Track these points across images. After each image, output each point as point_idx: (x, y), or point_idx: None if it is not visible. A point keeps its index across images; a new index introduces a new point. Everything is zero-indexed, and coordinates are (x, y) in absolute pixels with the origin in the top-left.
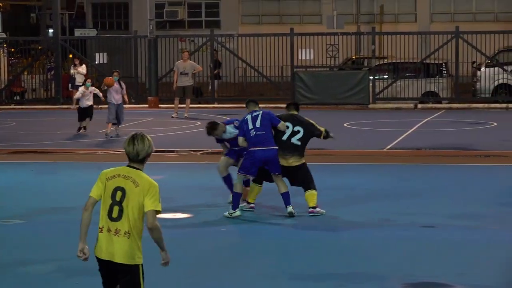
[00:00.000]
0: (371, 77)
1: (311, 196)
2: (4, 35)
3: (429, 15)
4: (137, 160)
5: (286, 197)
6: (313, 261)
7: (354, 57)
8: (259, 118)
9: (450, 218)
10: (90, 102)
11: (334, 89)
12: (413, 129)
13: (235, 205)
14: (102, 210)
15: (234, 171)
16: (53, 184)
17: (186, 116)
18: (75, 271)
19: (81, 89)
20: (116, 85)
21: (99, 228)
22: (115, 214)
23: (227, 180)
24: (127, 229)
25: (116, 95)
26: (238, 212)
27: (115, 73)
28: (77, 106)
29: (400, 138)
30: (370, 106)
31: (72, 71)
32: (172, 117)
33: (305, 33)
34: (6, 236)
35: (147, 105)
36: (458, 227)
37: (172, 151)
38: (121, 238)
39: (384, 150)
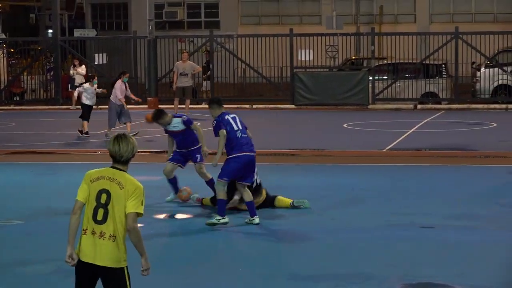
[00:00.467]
0: (370, 78)
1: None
2: (3, 36)
3: (429, 16)
4: (121, 161)
5: (251, 206)
6: (312, 261)
7: (353, 57)
8: (238, 120)
9: (449, 218)
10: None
11: (333, 90)
12: (412, 130)
13: (222, 211)
14: (87, 212)
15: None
16: (52, 184)
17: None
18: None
19: (86, 85)
20: (122, 86)
21: (83, 230)
22: (99, 216)
23: (172, 180)
24: (112, 232)
25: (121, 96)
26: (226, 219)
27: (126, 75)
28: (77, 106)
29: (400, 139)
30: (370, 106)
31: (71, 71)
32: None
33: (305, 33)
34: (6, 236)
35: (146, 106)
36: (457, 227)
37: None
38: (106, 241)
39: (384, 150)
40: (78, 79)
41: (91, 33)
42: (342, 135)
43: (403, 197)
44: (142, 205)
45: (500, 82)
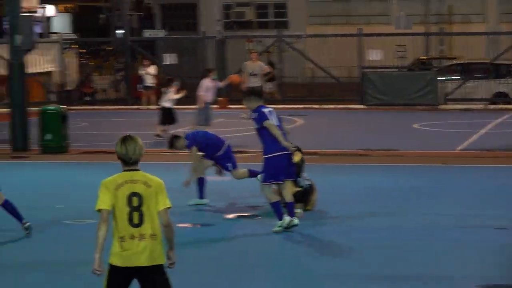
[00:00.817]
0: (440, 78)
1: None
2: (74, 36)
3: (498, 15)
4: (130, 162)
5: (291, 207)
6: (385, 262)
7: (423, 57)
8: (275, 114)
9: None
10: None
11: (403, 90)
12: (484, 130)
13: (279, 214)
14: (119, 220)
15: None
16: None
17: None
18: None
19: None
20: (209, 84)
21: (119, 238)
22: (136, 220)
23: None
24: (151, 232)
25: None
26: (287, 220)
27: (212, 72)
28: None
29: (471, 139)
30: (440, 107)
31: (141, 71)
32: (242, 117)
33: (373, 33)
34: (81, 235)
35: (217, 106)
36: None
37: (243, 152)
38: (148, 241)
39: (455, 151)
40: (148, 79)
41: (161, 33)
42: (412, 136)
43: (476, 198)
44: (168, 199)
45: None
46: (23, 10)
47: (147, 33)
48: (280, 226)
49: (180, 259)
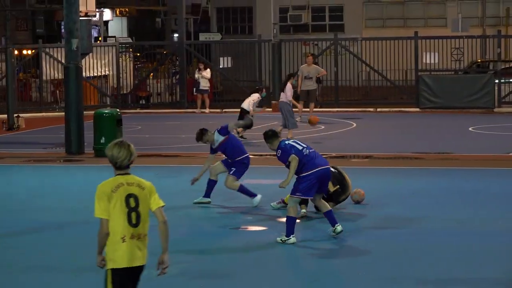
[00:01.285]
0: (496, 81)
1: None
2: (129, 40)
3: None
4: (126, 166)
5: (331, 215)
6: (440, 266)
7: (479, 60)
8: (298, 141)
9: None
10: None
11: (459, 93)
12: None
13: (290, 230)
14: (119, 220)
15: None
16: (174, 187)
17: (298, 120)
18: (197, 275)
19: (255, 95)
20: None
21: (120, 238)
22: (134, 220)
23: (211, 184)
24: (145, 232)
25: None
26: (293, 239)
27: (295, 77)
28: (202, 109)
29: None
30: (496, 110)
31: (196, 75)
32: (296, 120)
33: (430, 36)
34: None
35: (271, 109)
36: None
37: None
38: (144, 241)
39: (510, 154)
40: (203, 83)
41: (216, 37)
42: (467, 139)
43: None
44: (159, 198)
45: None
46: (81, 14)
47: (203, 37)
48: (282, 240)
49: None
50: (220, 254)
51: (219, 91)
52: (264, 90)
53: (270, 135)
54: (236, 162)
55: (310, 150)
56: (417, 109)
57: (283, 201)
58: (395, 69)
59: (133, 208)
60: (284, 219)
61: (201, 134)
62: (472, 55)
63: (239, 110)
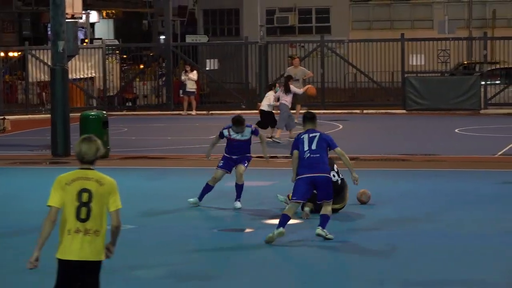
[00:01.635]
0: (482, 82)
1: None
2: (116, 42)
3: None
4: (86, 161)
5: (326, 220)
6: (427, 267)
7: (465, 62)
8: (316, 139)
9: None
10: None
11: (445, 95)
12: None
13: (279, 224)
14: (68, 213)
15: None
16: (161, 189)
17: (296, 122)
18: (186, 276)
19: (270, 93)
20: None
21: (67, 230)
22: (83, 215)
23: (207, 189)
24: (96, 228)
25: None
26: (280, 230)
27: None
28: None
29: None
30: (482, 111)
31: (183, 77)
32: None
33: (416, 38)
34: (119, 241)
35: (257, 111)
36: None
37: (285, 157)
38: (91, 237)
39: (496, 156)
40: (190, 85)
41: (203, 39)
42: (454, 140)
43: None
44: (119, 199)
45: None
46: (67, 16)
47: (190, 39)
48: (272, 233)
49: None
50: (208, 256)
51: (206, 93)
52: (277, 85)
53: (304, 119)
54: (247, 157)
55: (313, 155)
56: (404, 111)
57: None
58: (382, 71)
59: (84, 203)
60: (272, 221)
61: (243, 121)
62: (459, 57)
63: (227, 112)
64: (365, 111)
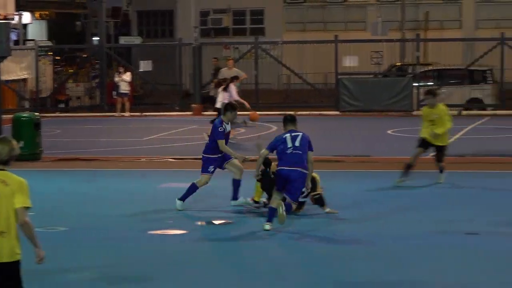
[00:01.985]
0: (415, 84)
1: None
2: (49, 43)
3: (474, 22)
4: (5, 162)
5: (271, 213)
6: (358, 268)
7: (398, 63)
8: (299, 138)
9: (495, 225)
10: None
11: (378, 96)
12: (457, 136)
13: (268, 218)
14: None
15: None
16: (94, 191)
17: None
18: (116, 278)
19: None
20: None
21: None
22: None
23: (191, 189)
24: (6, 230)
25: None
26: (267, 226)
27: (238, 80)
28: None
29: None
30: (414, 113)
31: (116, 78)
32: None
33: (350, 40)
34: (48, 243)
35: (191, 112)
36: (503, 234)
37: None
38: (5, 238)
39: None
40: (123, 86)
41: (137, 40)
42: (386, 142)
43: (448, 203)
44: (29, 199)
45: None
46: None
47: (123, 40)
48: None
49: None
50: (141, 258)
51: (140, 95)
52: (238, 79)
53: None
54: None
55: (296, 151)
56: (337, 112)
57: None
58: (315, 72)
59: None
60: (201, 222)
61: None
62: (392, 59)
63: (160, 113)
64: (298, 113)
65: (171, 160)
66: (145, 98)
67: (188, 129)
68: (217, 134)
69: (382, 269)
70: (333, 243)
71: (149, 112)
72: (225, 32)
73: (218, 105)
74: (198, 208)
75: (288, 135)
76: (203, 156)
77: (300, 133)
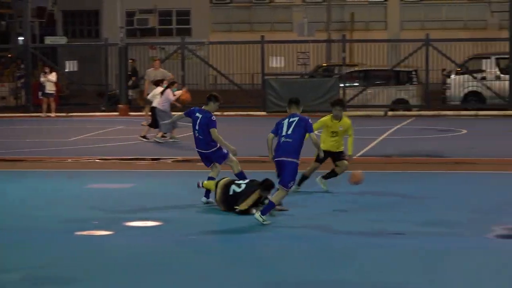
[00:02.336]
0: (341, 85)
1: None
2: None
3: (399, 23)
4: None
5: (269, 208)
6: (285, 270)
7: (325, 64)
8: (294, 124)
9: (420, 225)
10: None
11: (304, 97)
12: (383, 136)
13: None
14: None
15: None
16: (19, 191)
17: (143, 124)
18: (44, 279)
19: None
20: (170, 95)
21: None
22: None
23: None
24: None
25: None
26: (258, 216)
27: (175, 85)
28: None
29: (370, 145)
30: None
31: (42, 79)
32: (142, 124)
33: (276, 40)
34: None
35: (117, 113)
36: (428, 234)
37: (142, 159)
38: None
39: (354, 157)
40: (49, 87)
41: (62, 40)
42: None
43: (374, 203)
44: None
45: (470, 89)
46: None
47: (48, 40)
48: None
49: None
50: (66, 259)
51: (65, 95)
52: (175, 84)
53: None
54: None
55: (286, 140)
56: (264, 113)
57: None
58: (242, 73)
59: None
60: (133, 223)
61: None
62: (318, 59)
63: (86, 114)
64: (225, 113)
65: (97, 160)
66: (71, 99)
67: (114, 130)
68: (212, 123)
69: (309, 269)
70: (260, 244)
71: (75, 112)
72: (152, 33)
73: (155, 104)
74: (125, 210)
75: (286, 120)
76: (208, 152)
77: (297, 118)
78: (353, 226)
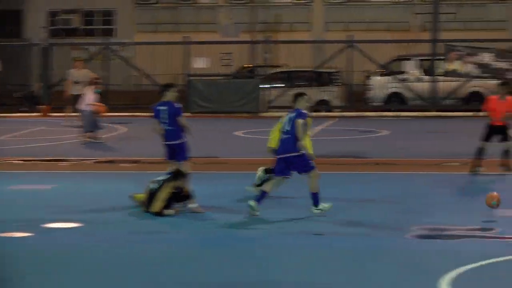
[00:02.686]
0: (264, 86)
1: None
2: None
3: (323, 24)
4: None
5: (262, 197)
6: (207, 271)
7: (249, 65)
8: (292, 120)
9: (340, 225)
10: None
11: (228, 98)
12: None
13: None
14: None
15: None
16: None
17: (64, 125)
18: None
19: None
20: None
21: None
22: None
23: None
24: None
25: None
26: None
27: (98, 86)
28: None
29: None
30: (263, 114)
31: None
32: (64, 125)
33: (200, 41)
34: None
35: (39, 114)
36: (347, 234)
37: (64, 160)
38: None
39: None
40: None
41: None
42: (233, 143)
43: (295, 204)
44: None
45: (393, 90)
46: None
47: None
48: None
49: None
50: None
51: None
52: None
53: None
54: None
55: (285, 136)
56: (188, 114)
57: None
58: (166, 73)
59: None
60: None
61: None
62: (242, 60)
63: (7, 115)
64: (148, 114)
65: (16, 161)
66: None
67: (35, 131)
68: (178, 111)
69: (232, 270)
70: (182, 245)
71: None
72: (76, 33)
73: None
74: (47, 211)
75: (287, 117)
76: (178, 143)
77: (294, 113)
78: (274, 227)
